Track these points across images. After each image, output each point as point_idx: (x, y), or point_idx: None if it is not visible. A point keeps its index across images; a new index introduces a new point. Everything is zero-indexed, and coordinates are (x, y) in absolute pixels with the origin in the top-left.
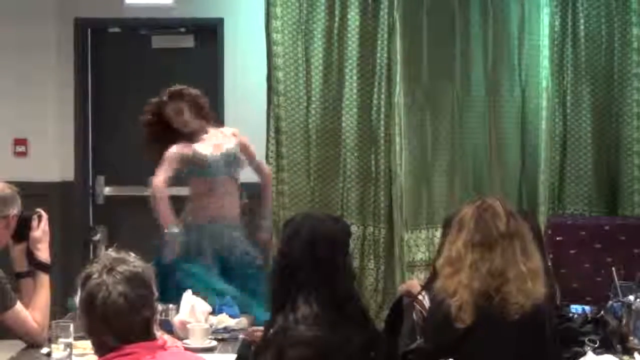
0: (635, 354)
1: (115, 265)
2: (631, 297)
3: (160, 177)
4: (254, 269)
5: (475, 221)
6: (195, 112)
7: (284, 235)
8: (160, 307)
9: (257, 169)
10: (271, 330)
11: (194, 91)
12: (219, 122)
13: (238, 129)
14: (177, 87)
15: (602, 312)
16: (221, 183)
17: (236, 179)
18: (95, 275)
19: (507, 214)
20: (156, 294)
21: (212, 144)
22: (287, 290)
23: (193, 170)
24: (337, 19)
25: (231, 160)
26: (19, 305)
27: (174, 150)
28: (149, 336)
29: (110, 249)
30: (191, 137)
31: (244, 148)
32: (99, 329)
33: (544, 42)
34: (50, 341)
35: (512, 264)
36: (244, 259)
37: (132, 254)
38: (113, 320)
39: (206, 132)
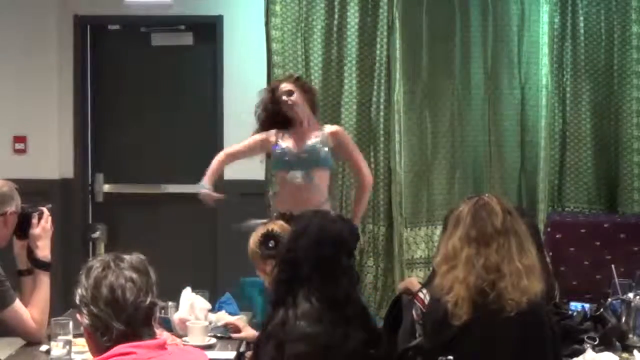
0: (635, 352)
1: (118, 256)
2: (630, 295)
3: (229, 149)
4: None
5: (471, 217)
6: (306, 98)
7: (293, 230)
8: (161, 302)
9: (356, 171)
10: (271, 324)
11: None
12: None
13: (340, 128)
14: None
15: (601, 310)
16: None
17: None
18: (99, 264)
19: (503, 210)
20: (155, 291)
21: (296, 138)
22: (289, 284)
23: (273, 162)
24: (336, 16)
25: (305, 157)
26: (17, 303)
27: (261, 135)
28: (150, 325)
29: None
30: (296, 126)
31: (338, 145)
32: (106, 315)
33: (544, 39)
34: (49, 339)
35: (508, 260)
36: None
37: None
38: (121, 304)
39: (309, 125)
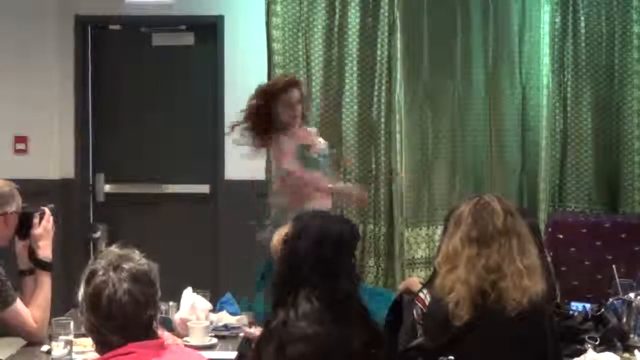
0: (636, 352)
1: (120, 262)
2: (631, 295)
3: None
4: None
5: (472, 217)
6: (303, 107)
7: (293, 230)
8: (162, 306)
9: None
10: (272, 324)
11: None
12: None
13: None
14: (291, 75)
15: (602, 310)
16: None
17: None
18: (101, 272)
19: (504, 211)
20: (159, 292)
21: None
22: (289, 285)
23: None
24: (337, 16)
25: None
26: (18, 303)
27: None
28: (151, 334)
29: (114, 245)
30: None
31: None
32: (103, 326)
33: (545, 39)
34: (50, 339)
35: (509, 261)
36: None
37: (137, 252)
38: (118, 318)
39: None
